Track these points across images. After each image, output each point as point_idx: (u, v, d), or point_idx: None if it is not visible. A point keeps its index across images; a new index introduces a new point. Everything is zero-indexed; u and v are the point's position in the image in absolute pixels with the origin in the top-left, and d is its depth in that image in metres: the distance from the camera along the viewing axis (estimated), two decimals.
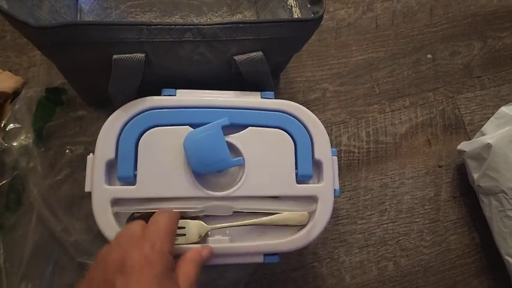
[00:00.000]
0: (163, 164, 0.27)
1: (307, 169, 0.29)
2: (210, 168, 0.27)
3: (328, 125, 0.44)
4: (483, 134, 0.41)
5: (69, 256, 0.34)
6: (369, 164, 0.43)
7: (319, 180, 0.30)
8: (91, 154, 0.27)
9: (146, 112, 0.28)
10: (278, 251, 0.28)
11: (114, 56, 0.27)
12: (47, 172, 0.36)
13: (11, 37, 0.41)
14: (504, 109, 0.40)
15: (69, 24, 0.26)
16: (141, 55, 0.28)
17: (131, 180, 0.27)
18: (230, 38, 0.29)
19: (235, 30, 0.29)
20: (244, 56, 0.30)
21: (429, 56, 0.48)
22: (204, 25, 0.28)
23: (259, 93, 0.31)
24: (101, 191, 0.27)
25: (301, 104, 0.44)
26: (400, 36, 0.48)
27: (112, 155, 0.27)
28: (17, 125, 0.36)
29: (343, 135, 0.44)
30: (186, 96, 0.29)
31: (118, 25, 0.27)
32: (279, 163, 0.29)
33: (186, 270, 0.23)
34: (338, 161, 0.42)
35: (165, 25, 0.28)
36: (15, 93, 0.38)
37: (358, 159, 0.43)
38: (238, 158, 0.28)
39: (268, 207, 0.28)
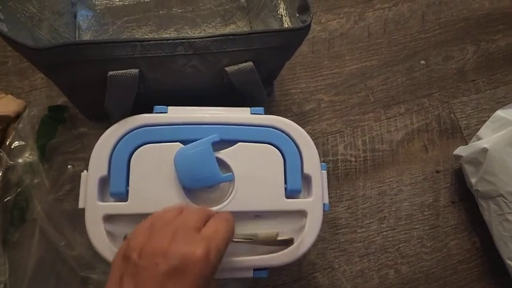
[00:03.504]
0: (154, 180, 0.28)
1: (296, 184, 0.29)
2: (200, 183, 0.28)
3: (324, 135, 0.44)
4: (479, 139, 0.41)
5: (72, 270, 0.35)
6: (366, 172, 0.44)
7: (308, 195, 0.30)
8: (85, 171, 0.28)
9: (138, 129, 0.29)
10: (268, 266, 0.28)
11: (110, 73, 0.29)
12: (50, 188, 0.37)
13: (12, 62, 0.43)
14: (500, 112, 0.40)
15: (65, 44, 0.27)
16: (135, 70, 0.29)
17: (123, 196, 0.28)
18: (221, 49, 0.30)
19: (226, 42, 0.30)
20: (235, 67, 0.30)
21: (422, 62, 0.48)
22: (195, 38, 0.29)
23: (249, 109, 0.31)
24: (94, 207, 0.27)
25: (296, 116, 0.45)
26: (393, 44, 0.49)
27: (105, 172, 0.28)
28: (22, 143, 0.37)
29: (340, 145, 0.44)
30: (177, 113, 0.30)
31: (112, 43, 0.28)
32: (268, 178, 0.29)
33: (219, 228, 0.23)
34: (335, 170, 0.43)
35: (157, 40, 0.29)
36: (17, 117, 0.39)
37: (356, 168, 0.44)
38: (228, 173, 0.28)
39: (255, 225, 0.29)
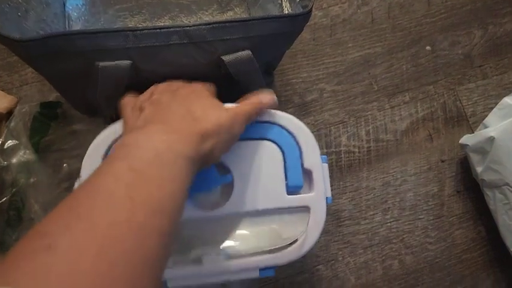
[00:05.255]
0: None
1: (297, 179, 0.29)
2: (198, 188, 0.27)
3: (326, 126, 0.43)
4: (486, 127, 0.40)
5: None
6: (370, 163, 0.43)
7: (310, 190, 0.29)
8: (77, 179, 0.27)
9: None
10: (273, 265, 0.28)
11: (100, 64, 0.27)
12: (46, 187, 0.36)
13: (0, 56, 0.41)
14: (507, 100, 0.39)
15: (52, 35, 0.26)
16: (127, 62, 0.28)
17: None
18: (217, 38, 0.28)
19: (223, 29, 0.28)
20: (233, 56, 0.29)
21: (428, 47, 0.46)
22: (190, 26, 0.28)
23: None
24: None
25: (298, 107, 0.44)
26: (397, 29, 0.47)
27: None
28: (15, 142, 0.36)
29: (343, 136, 0.43)
30: None
31: (102, 32, 0.27)
32: (268, 175, 0.28)
33: (243, 106, 0.26)
34: (339, 162, 0.42)
35: (150, 29, 0.27)
36: (9, 114, 0.38)
37: (359, 159, 0.43)
38: (227, 175, 0.28)
39: (259, 222, 0.28)
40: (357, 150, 0.43)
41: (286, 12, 0.34)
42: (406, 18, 0.47)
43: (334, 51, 0.45)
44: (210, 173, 0.27)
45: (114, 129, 0.28)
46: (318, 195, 0.29)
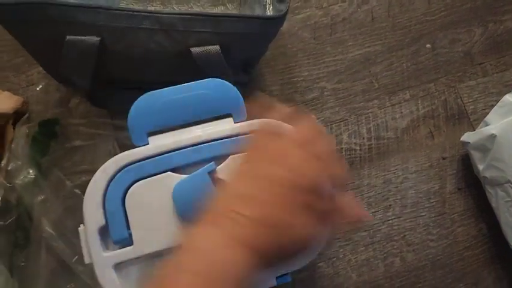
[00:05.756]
0: (154, 216, 0.27)
1: None
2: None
3: (327, 124, 0.44)
4: (487, 124, 0.40)
5: (86, 285, 0.34)
6: (371, 160, 0.43)
7: None
8: (81, 225, 0.27)
9: (124, 170, 0.27)
10: (288, 271, 0.28)
11: (68, 37, 0.28)
12: (53, 204, 0.36)
13: (7, 57, 0.42)
14: (508, 97, 0.39)
15: (25, 2, 0.26)
16: (96, 38, 0.28)
17: (128, 241, 0.27)
18: (188, 28, 0.29)
19: (194, 21, 0.29)
20: (201, 49, 0.29)
21: (428, 45, 0.47)
22: (162, 13, 0.28)
23: (231, 118, 0.29)
24: (102, 260, 0.26)
25: (299, 105, 0.44)
26: (398, 28, 0.47)
27: (102, 222, 0.27)
28: (18, 163, 0.36)
29: (344, 133, 0.43)
30: (158, 142, 0.28)
31: (75, 6, 0.27)
32: None
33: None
34: None
35: (123, 10, 0.28)
36: (16, 113, 0.39)
37: (360, 157, 0.43)
38: None
39: None
40: (358, 148, 0.43)
41: (268, 14, 0.34)
42: (406, 17, 0.47)
43: (334, 49, 0.46)
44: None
45: (104, 170, 0.27)
46: None
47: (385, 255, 0.40)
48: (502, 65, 0.47)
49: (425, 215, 0.42)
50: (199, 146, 0.28)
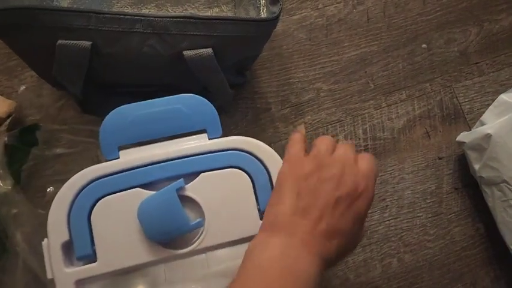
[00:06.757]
0: (121, 232, 0.26)
1: None
2: (169, 235, 0.26)
3: (324, 125, 0.43)
4: (482, 124, 0.40)
5: None
6: None
7: None
8: (45, 239, 0.27)
9: (91, 184, 0.27)
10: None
11: (59, 41, 0.28)
12: (28, 217, 0.35)
13: (0, 61, 0.41)
14: (503, 96, 0.39)
15: (16, 7, 0.26)
16: (88, 43, 0.28)
17: (92, 258, 0.26)
18: (181, 32, 0.29)
19: (187, 24, 0.28)
20: (193, 52, 0.29)
21: (424, 45, 0.47)
22: (154, 17, 0.28)
23: (205, 134, 0.29)
24: (63, 276, 0.26)
25: (295, 106, 0.44)
26: (393, 28, 0.47)
27: (66, 237, 0.26)
28: None
29: (340, 134, 0.43)
30: (129, 156, 0.28)
31: (66, 11, 0.27)
32: (239, 203, 0.28)
33: None
34: None
35: (114, 14, 0.28)
36: (8, 118, 0.38)
37: None
38: (198, 220, 0.26)
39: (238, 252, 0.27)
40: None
41: (262, 16, 0.34)
42: (401, 17, 0.47)
43: (330, 50, 0.45)
44: (179, 220, 0.26)
45: (72, 182, 0.27)
46: None
47: (382, 256, 0.40)
48: (498, 64, 0.47)
49: (422, 216, 0.42)
50: (170, 162, 0.28)
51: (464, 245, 0.41)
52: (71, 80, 0.31)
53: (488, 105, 0.40)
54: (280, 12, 0.29)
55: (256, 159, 0.29)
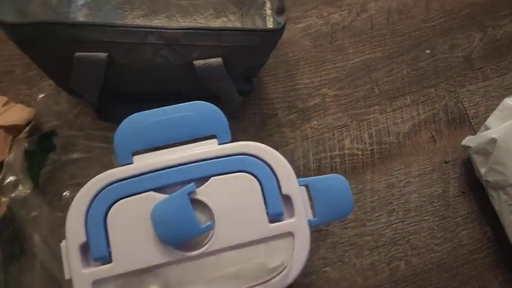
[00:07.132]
0: (135, 235, 0.28)
1: (278, 206, 0.29)
2: (180, 238, 0.27)
3: (330, 130, 0.44)
4: (487, 128, 0.40)
5: None
6: (373, 165, 0.43)
7: (291, 215, 0.29)
8: (63, 241, 0.28)
9: (107, 188, 0.28)
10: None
11: (77, 54, 0.29)
12: (46, 220, 0.36)
13: (20, 71, 0.43)
14: (508, 101, 0.40)
15: (33, 22, 0.28)
16: (103, 54, 0.29)
17: (107, 259, 0.27)
18: (191, 42, 0.30)
19: (197, 35, 0.30)
20: (202, 62, 0.30)
21: (428, 51, 0.47)
22: (166, 29, 0.29)
23: (215, 140, 0.30)
24: (80, 276, 0.27)
25: (301, 111, 0.45)
26: (397, 34, 0.48)
27: (84, 238, 0.27)
28: (13, 177, 0.36)
29: (346, 139, 0.44)
30: (143, 161, 0.29)
31: (82, 25, 0.29)
32: (248, 206, 0.28)
33: None
34: (343, 165, 0.43)
35: (127, 27, 0.29)
36: (29, 124, 0.40)
37: (363, 162, 0.44)
38: (208, 223, 0.27)
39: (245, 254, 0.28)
40: (360, 153, 0.44)
41: (269, 26, 0.35)
42: (405, 24, 0.48)
43: (335, 57, 0.47)
44: (190, 223, 0.27)
45: (88, 187, 0.28)
46: (299, 220, 0.29)
47: (390, 259, 0.41)
48: (502, 69, 0.47)
49: (429, 219, 0.42)
50: (182, 166, 0.29)
51: (472, 248, 0.41)
52: (88, 89, 0.32)
53: (494, 109, 0.41)
54: (286, 22, 0.30)
55: (264, 164, 0.30)
